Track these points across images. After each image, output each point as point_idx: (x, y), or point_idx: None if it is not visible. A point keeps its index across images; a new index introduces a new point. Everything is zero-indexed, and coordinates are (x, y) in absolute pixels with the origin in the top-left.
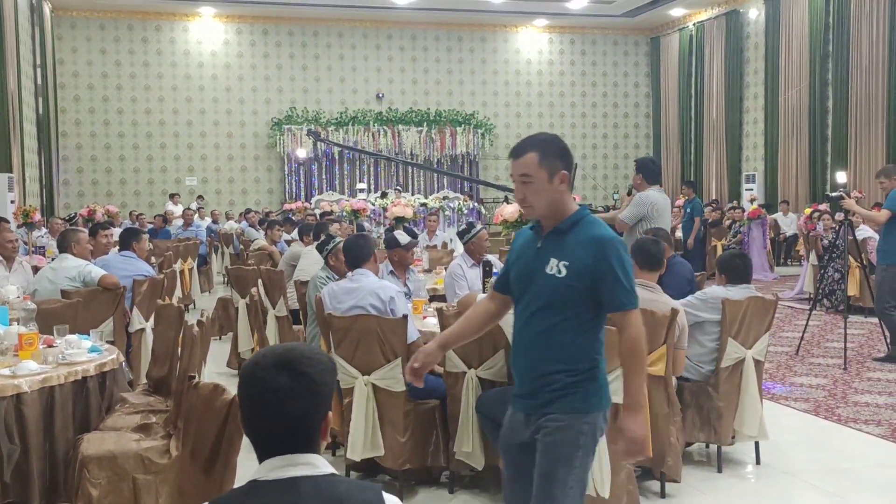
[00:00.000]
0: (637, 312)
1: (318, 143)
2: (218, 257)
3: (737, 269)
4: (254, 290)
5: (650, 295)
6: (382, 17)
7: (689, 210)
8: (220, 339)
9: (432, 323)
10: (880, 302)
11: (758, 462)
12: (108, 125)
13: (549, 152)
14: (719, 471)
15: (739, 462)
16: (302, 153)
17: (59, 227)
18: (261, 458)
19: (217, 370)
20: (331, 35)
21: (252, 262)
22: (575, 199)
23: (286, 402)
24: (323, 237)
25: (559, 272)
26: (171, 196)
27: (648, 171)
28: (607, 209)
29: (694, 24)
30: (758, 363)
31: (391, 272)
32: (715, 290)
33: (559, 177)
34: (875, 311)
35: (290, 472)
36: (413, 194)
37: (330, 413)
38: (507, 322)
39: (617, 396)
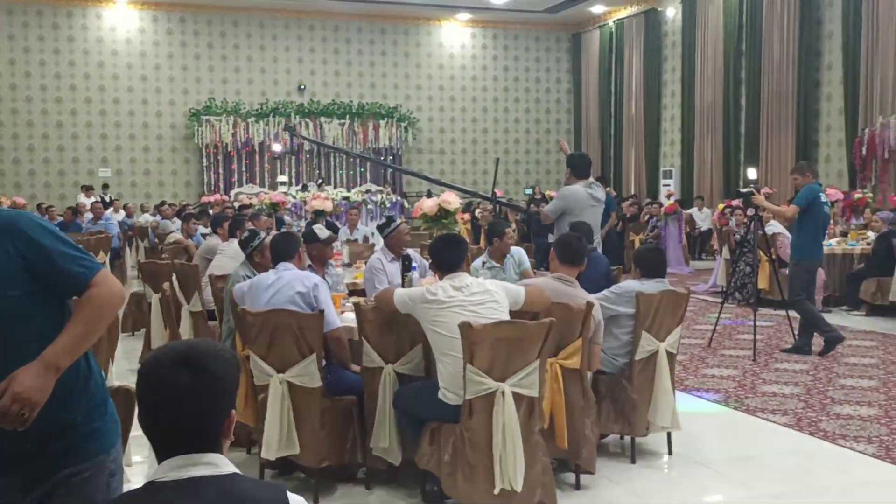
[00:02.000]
0: (105, 272)
1: (293, 137)
2: (132, 251)
3: (651, 263)
4: (166, 284)
5: (567, 289)
6: (304, 6)
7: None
8: (132, 335)
9: (350, 318)
10: (792, 294)
11: (670, 452)
12: (16, 114)
13: None
14: (633, 462)
15: (653, 453)
16: (278, 147)
17: None
18: (160, 458)
19: (130, 367)
20: (251, 25)
21: (167, 256)
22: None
23: (187, 400)
24: (246, 233)
25: None
26: (84, 188)
27: (576, 166)
28: (537, 202)
29: (614, 22)
30: (671, 355)
31: (309, 266)
32: (629, 284)
33: None
34: (788, 303)
35: (190, 472)
36: (336, 187)
37: (234, 411)
38: (450, 327)
39: (533, 390)
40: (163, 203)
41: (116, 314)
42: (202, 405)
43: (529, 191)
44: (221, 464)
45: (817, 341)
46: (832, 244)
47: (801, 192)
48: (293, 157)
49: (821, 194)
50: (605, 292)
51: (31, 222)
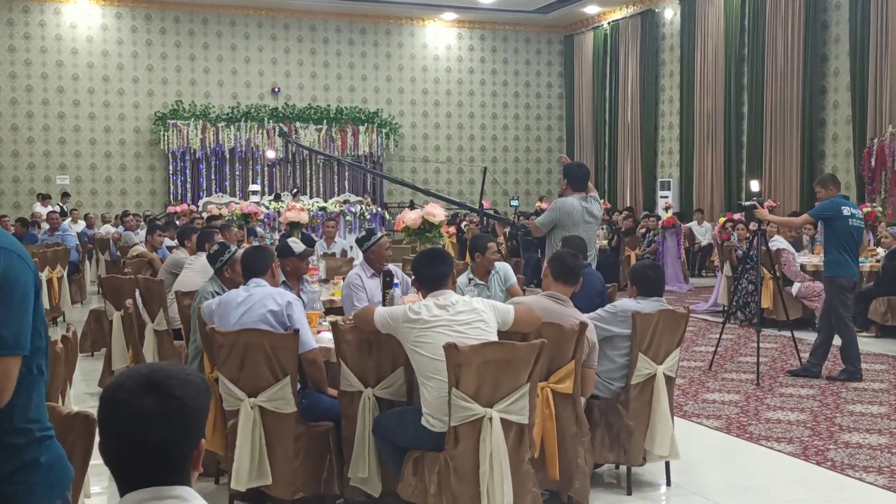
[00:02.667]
0: (7, 363)
1: (288, 143)
2: (92, 265)
3: (648, 281)
4: (130, 301)
5: (559, 308)
6: (279, 4)
7: None
8: (92, 355)
9: (327, 338)
10: (831, 314)
11: (668, 483)
12: None
13: None
14: (629, 493)
15: (650, 483)
16: (271, 154)
17: None
18: (122, 491)
19: (88, 390)
20: (222, 23)
21: (129, 270)
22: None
23: (152, 428)
24: (216, 246)
25: None
26: (41, 197)
27: (574, 177)
28: (528, 215)
29: (608, 23)
30: (669, 379)
31: (284, 282)
32: (625, 303)
33: None
34: (821, 324)
35: None
36: (312, 197)
37: (203, 440)
38: (434, 352)
39: (523, 416)
40: (126, 213)
41: None
42: (169, 433)
43: (516, 202)
44: (189, 497)
45: (826, 364)
46: None
47: (820, 204)
48: (268, 165)
49: (844, 207)
50: (598, 312)
51: None
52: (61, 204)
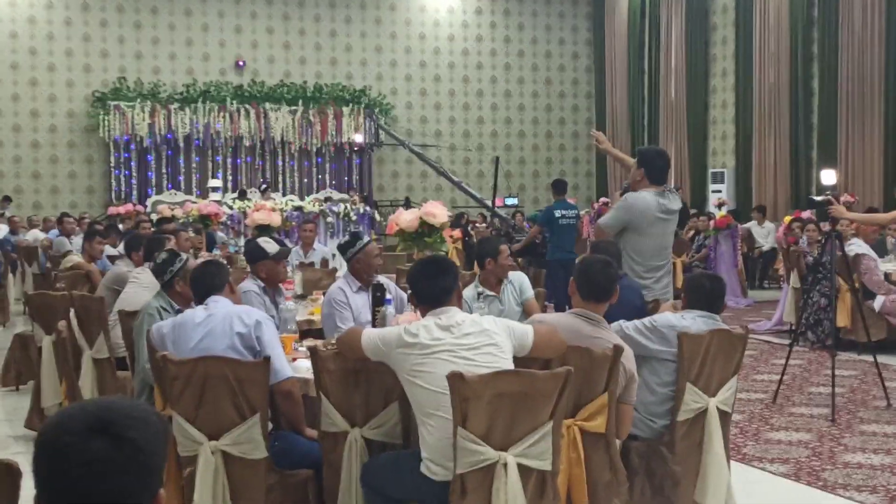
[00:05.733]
0: None
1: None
2: (17, 278)
3: (702, 291)
4: (63, 323)
5: (590, 328)
6: None
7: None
8: (16, 389)
9: (304, 367)
10: None
11: None
12: None
13: None
14: None
15: None
16: (359, 137)
17: None
18: None
19: (13, 432)
20: None
21: (63, 285)
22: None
23: (102, 477)
24: (165, 255)
25: None
26: None
27: (653, 167)
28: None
29: None
30: (724, 415)
31: (263, 288)
32: (665, 318)
33: None
34: None
35: None
36: (285, 194)
37: (161, 492)
38: (434, 384)
39: (545, 461)
40: (63, 215)
41: None
42: (122, 484)
43: (513, 200)
44: None
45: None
46: None
47: None
48: (229, 155)
49: None
50: (635, 322)
51: None
52: (3, 208)
